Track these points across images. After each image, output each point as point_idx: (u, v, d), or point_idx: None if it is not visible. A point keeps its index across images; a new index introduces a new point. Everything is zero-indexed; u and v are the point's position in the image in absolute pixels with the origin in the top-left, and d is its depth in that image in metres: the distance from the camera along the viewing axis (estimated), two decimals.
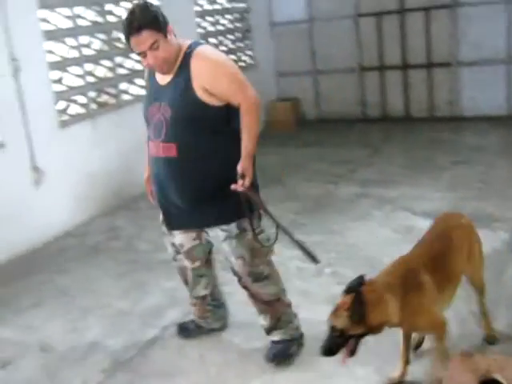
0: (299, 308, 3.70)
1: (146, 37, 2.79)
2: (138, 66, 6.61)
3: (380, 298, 2.56)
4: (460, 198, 5.20)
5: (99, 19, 6.18)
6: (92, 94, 6.07)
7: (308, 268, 4.20)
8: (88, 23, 6.06)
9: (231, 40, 8.34)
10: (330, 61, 8.69)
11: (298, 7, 8.77)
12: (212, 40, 7.90)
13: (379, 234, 4.73)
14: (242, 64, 8.54)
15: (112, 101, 6.33)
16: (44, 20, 5.56)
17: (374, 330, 2.56)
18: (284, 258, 4.40)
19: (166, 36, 2.85)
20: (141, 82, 6.64)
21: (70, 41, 5.86)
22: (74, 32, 5.87)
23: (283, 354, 3.27)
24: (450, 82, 8.04)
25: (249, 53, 8.71)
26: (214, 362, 3.32)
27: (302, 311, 3.66)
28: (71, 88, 5.86)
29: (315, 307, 3.71)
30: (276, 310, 3.27)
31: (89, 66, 6.02)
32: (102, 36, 6.21)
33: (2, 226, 4.99)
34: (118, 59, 6.39)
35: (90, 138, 5.89)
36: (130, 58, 6.52)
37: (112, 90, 6.33)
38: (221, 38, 8.12)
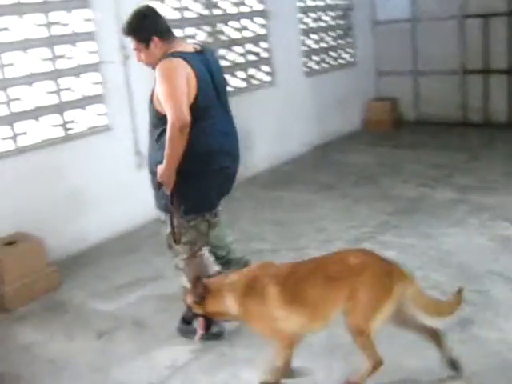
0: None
1: (131, 40, 3.37)
2: (240, 59, 6.75)
3: (220, 291, 2.91)
4: None
5: (205, 12, 6.34)
6: None
7: None
8: (194, 15, 6.23)
9: (332, 37, 8.29)
10: (431, 62, 8.47)
11: (401, 6, 8.60)
12: (313, 36, 7.91)
13: (475, 241, 4.58)
14: (342, 62, 8.50)
15: None
16: None
17: (213, 315, 3.03)
18: None
19: (147, 46, 3.30)
20: (241, 75, 6.79)
21: (178, 32, 6.04)
22: (181, 23, 6.05)
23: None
24: None
25: (349, 51, 8.64)
26: None
27: None
28: None
29: None
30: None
31: None
32: (207, 28, 6.36)
33: (106, 206, 5.26)
34: (221, 51, 6.52)
35: None
36: (232, 50, 6.65)
37: None
38: (322, 34, 8.09)
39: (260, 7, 6.94)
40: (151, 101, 3.31)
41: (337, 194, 5.96)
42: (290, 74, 7.35)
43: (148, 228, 5.44)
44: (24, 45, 4.79)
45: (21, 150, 4.76)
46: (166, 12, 5.87)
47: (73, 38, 5.12)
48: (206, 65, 3.32)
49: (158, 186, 3.38)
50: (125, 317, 3.95)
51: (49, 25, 4.93)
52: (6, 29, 4.67)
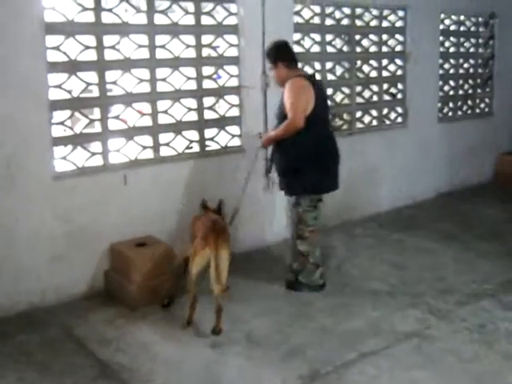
0: (505, 371, 3.53)
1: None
2: (374, 98, 6.79)
3: None
4: None
5: (345, 48, 6.46)
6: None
7: None
8: (335, 50, 6.36)
9: (470, 85, 8.13)
10: None
11: None
12: (452, 83, 7.80)
13: None
14: (478, 111, 8.29)
15: (345, 126, 6.54)
16: (297, 42, 5.95)
17: None
18: (494, 317, 4.23)
19: (274, 67, 4.62)
20: (374, 113, 6.82)
21: (316, 65, 6.19)
22: (321, 57, 6.20)
23: (293, 286, 4.73)
24: None
25: (487, 100, 8.42)
26: None
27: (508, 375, 3.50)
28: None
29: None
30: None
31: (329, 91, 6.29)
32: (345, 64, 6.46)
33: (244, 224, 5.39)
34: (358, 88, 6.59)
35: None
36: (369, 88, 6.71)
37: (346, 117, 6.55)
38: (461, 81, 7.96)
39: (400, 48, 6.97)
40: (280, 105, 4.53)
41: (460, 245, 5.79)
42: (424, 118, 7.28)
43: (276, 248, 5.61)
44: (175, 63, 5.12)
45: (160, 160, 5.06)
46: (308, 45, 6.07)
47: (219, 61, 5.40)
48: (322, 89, 4.68)
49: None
50: (240, 332, 4.05)
51: (199, 46, 5.23)
52: (161, 46, 5.02)
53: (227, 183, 5.35)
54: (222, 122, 5.47)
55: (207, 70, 5.35)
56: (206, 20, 5.28)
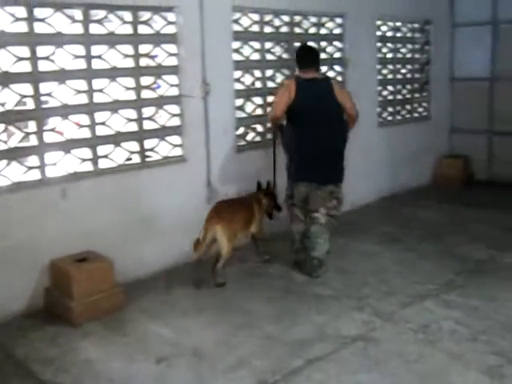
0: (449, 370, 3.60)
1: None
2: None
3: None
4: None
5: (285, 55, 6.50)
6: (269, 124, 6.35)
7: (462, 331, 4.08)
8: (274, 58, 6.39)
9: (408, 90, 8.32)
10: (509, 122, 8.37)
11: (481, 65, 8.59)
12: (389, 87, 7.97)
13: None
14: (417, 115, 8.49)
15: None
16: (236, 51, 5.96)
17: None
18: (438, 316, 4.31)
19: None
20: None
21: (257, 72, 6.21)
22: (261, 65, 6.22)
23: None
24: None
25: (424, 105, 8.64)
26: None
27: (451, 374, 3.57)
28: (251, 116, 6.20)
29: (466, 373, 3.58)
30: None
31: (270, 98, 6.32)
32: (285, 71, 6.50)
33: (173, 234, 5.39)
34: None
35: (261, 165, 6.13)
36: None
37: None
38: (398, 86, 8.13)
39: (339, 55, 7.07)
40: None
41: (402, 247, 5.90)
42: (364, 123, 7.33)
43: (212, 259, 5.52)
44: (112, 73, 5.03)
45: (100, 173, 4.96)
46: (248, 53, 6.07)
47: (158, 70, 5.35)
48: (313, 88, 5.08)
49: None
50: (185, 345, 3.99)
51: (137, 56, 5.16)
52: (98, 57, 4.93)
53: (169, 193, 5.31)
54: (162, 132, 5.40)
55: (146, 80, 5.28)
56: (143, 29, 5.22)
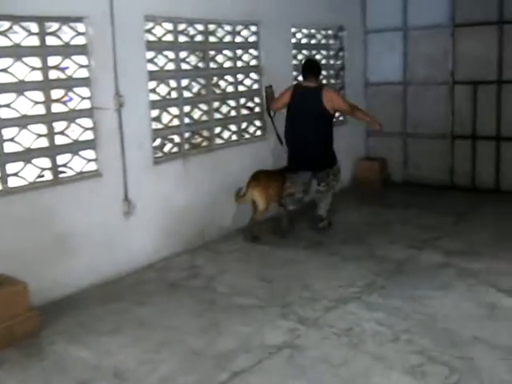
0: (372, 372, 3.65)
1: None
2: (233, 112, 6.84)
3: None
4: None
5: (201, 64, 6.46)
6: (187, 134, 6.29)
7: (384, 332, 4.15)
8: (190, 67, 6.33)
9: None
10: (421, 125, 8.66)
11: (394, 70, 8.83)
12: None
13: (460, 306, 4.57)
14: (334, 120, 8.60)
15: (204, 143, 6.53)
16: (150, 61, 5.85)
17: None
18: (360, 319, 4.37)
19: None
20: (233, 128, 6.86)
21: (172, 82, 6.13)
22: (177, 75, 6.14)
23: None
24: None
25: None
26: None
27: (375, 376, 3.61)
28: (168, 127, 6.11)
29: (388, 373, 3.64)
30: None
31: (186, 108, 6.26)
32: (201, 80, 6.46)
33: (92, 252, 5.22)
34: (215, 104, 6.61)
35: (180, 176, 6.08)
36: (226, 103, 6.75)
37: (206, 133, 6.54)
38: None
39: (255, 62, 7.09)
40: None
41: (324, 252, 5.96)
42: (282, 130, 7.42)
43: (132, 276, 5.40)
44: (20, 87, 4.83)
45: (9, 192, 4.73)
46: (162, 63, 5.98)
47: (69, 83, 5.17)
48: (303, 95, 6.37)
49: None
50: (105, 367, 3.85)
51: (46, 69, 4.97)
52: (3, 70, 4.71)
53: (84, 210, 5.16)
54: (75, 147, 5.22)
55: (56, 93, 5.09)
56: (52, 40, 5.03)
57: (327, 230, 6.64)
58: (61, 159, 5.12)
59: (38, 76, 4.93)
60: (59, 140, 5.11)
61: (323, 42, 8.40)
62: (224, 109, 6.75)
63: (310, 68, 6.58)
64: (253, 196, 6.20)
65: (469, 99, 8.24)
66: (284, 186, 6.49)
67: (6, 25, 4.73)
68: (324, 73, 8.41)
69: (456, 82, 8.32)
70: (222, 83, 6.74)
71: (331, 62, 8.55)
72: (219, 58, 6.67)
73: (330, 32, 8.47)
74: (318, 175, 6.53)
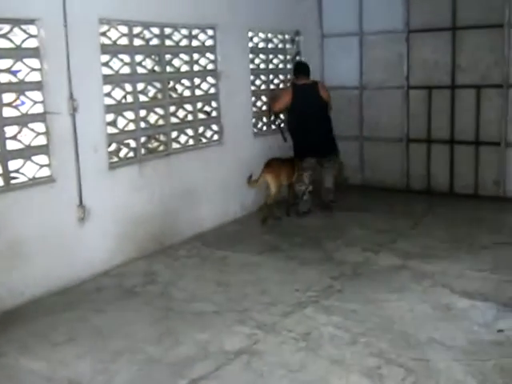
0: (330, 376, 3.66)
1: None
2: (190, 117, 6.79)
3: None
4: (503, 281, 5.09)
5: (157, 68, 6.40)
6: (143, 139, 6.21)
7: (342, 336, 4.17)
8: (146, 71, 6.26)
9: None
10: (377, 129, 8.78)
11: (350, 74, 8.92)
12: (263, 98, 8.08)
13: (416, 308, 4.62)
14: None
15: (161, 148, 6.46)
16: (105, 64, 5.77)
17: None
18: (318, 323, 4.38)
19: None
20: (190, 132, 6.82)
21: (128, 86, 6.05)
22: (132, 78, 6.07)
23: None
24: (497, 162, 7.99)
25: None
26: None
27: (333, 379, 3.62)
28: (123, 131, 6.03)
29: (347, 376, 3.66)
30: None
31: (142, 112, 6.19)
32: (157, 84, 6.40)
33: (46, 259, 5.09)
34: (172, 108, 6.55)
35: (136, 181, 6.00)
36: (183, 107, 6.70)
37: (162, 138, 6.47)
38: None
39: (212, 66, 7.07)
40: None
41: (282, 256, 5.96)
42: (239, 134, 7.44)
43: (88, 283, 5.30)
44: None
45: None
46: (118, 66, 5.90)
47: (21, 87, 5.05)
48: (305, 91, 7.36)
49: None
50: (59, 378, 3.76)
51: None
52: None
53: (37, 216, 5.04)
54: (27, 152, 5.10)
55: (8, 97, 4.97)
56: (2, 43, 4.91)
57: (336, 202, 7.74)
58: (13, 165, 5.00)
59: None
60: (11, 145, 4.98)
61: (280, 46, 8.43)
62: (181, 113, 6.69)
63: (304, 68, 7.60)
64: (266, 180, 6.95)
65: (424, 103, 8.39)
66: (294, 173, 7.38)
67: None
68: (281, 77, 8.46)
69: (411, 87, 8.46)
70: (179, 87, 6.69)
71: (288, 66, 8.57)
72: (176, 62, 6.62)
73: (286, 36, 8.51)
74: (322, 159, 7.54)
